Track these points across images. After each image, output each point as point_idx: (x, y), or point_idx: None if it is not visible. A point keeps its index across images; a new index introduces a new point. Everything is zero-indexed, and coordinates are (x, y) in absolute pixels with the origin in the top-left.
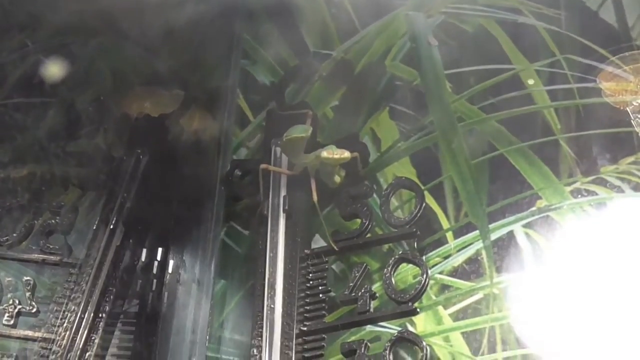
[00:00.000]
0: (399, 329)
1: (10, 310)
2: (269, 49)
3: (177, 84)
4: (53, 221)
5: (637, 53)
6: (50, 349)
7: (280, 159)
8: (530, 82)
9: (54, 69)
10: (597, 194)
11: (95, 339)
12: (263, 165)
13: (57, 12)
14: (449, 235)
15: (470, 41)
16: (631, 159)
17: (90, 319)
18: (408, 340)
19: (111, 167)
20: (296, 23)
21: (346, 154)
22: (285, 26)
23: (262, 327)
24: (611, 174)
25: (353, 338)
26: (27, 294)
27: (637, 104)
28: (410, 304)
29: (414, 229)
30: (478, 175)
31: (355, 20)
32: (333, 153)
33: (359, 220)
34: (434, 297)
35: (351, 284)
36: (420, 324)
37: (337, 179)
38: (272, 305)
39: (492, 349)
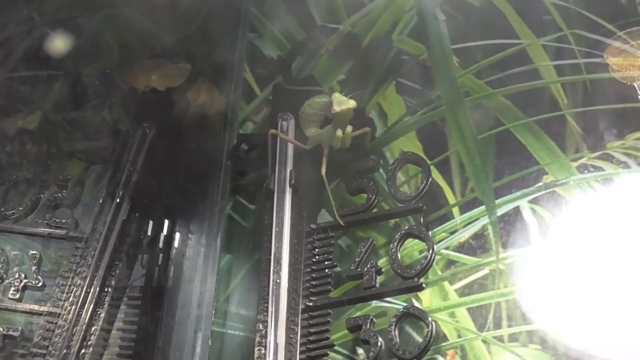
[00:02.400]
0: (405, 304)
1: (16, 284)
2: (275, 22)
3: (184, 57)
4: (59, 195)
5: None
6: (56, 323)
7: (287, 133)
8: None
9: (60, 42)
10: (603, 170)
11: (101, 313)
12: (272, 131)
13: None
14: (455, 210)
15: (477, 15)
16: (638, 134)
17: (96, 293)
18: (414, 316)
19: (117, 141)
20: None
21: (352, 102)
22: (293, 1)
23: (267, 302)
24: (618, 149)
25: (359, 313)
26: (33, 267)
27: None
28: (416, 279)
29: (420, 204)
30: (484, 150)
31: None
32: (341, 105)
33: (365, 195)
34: (439, 273)
35: (357, 259)
36: (426, 299)
37: (340, 134)
38: (277, 280)
39: (497, 325)
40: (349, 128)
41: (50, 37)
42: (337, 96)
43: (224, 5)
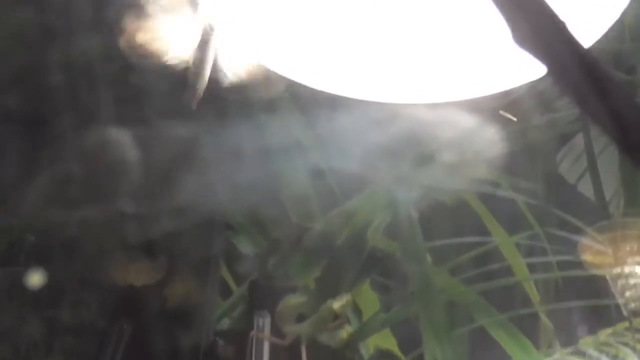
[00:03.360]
0: None
1: None
2: (251, 219)
3: (161, 254)
4: None
5: (614, 222)
6: None
7: (263, 329)
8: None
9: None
10: None
11: None
12: (253, 332)
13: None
14: None
15: (451, 214)
16: (610, 330)
17: None
18: None
19: (95, 338)
20: (278, 195)
21: (348, 296)
22: (268, 199)
23: None
24: (590, 345)
25: None
26: None
27: (616, 273)
28: None
29: None
30: (458, 347)
31: (337, 193)
32: (341, 300)
33: None
34: None
35: None
36: None
37: (345, 334)
38: None
39: None
40: (348, 327)
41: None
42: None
43: (200, 217)
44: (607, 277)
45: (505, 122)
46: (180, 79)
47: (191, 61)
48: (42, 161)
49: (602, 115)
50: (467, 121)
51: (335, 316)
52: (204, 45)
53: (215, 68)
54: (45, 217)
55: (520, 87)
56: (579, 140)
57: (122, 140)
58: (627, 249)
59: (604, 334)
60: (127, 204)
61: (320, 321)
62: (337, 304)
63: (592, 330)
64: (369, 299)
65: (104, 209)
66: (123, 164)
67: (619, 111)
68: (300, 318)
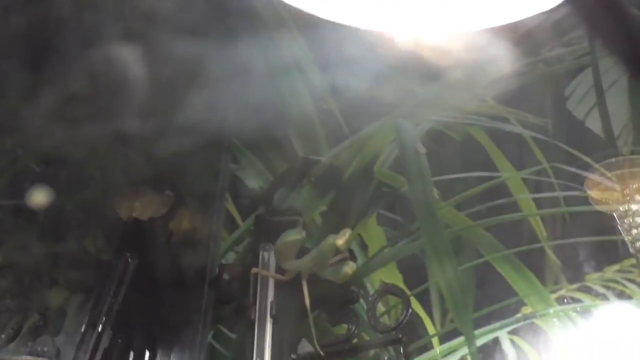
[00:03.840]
0: None
1: None
2: (258, 154)
3: (167, 187)
4: (41, 323)
5: (622, 159)
6: None
7: (268, 263)
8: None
9: (43, 175)
10: (582, 302)
11: None
12: (255, 270)
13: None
14: (435, 340)
15: (458, 149)
16: (616, 267)
17: None
18: None
19: (100, 271)
20: (286, 131)
21: (350, 230)
22: (275, 133)
23: None
24: (596, 281)
25: None
26: None
27: (623, 210)
28: None
29: (400, 335)
30: (464, 281)
31: (344, 126)
32: (344, 236)
33: (345, 326)
34: None
35: None
36: None
37: (349, 270)
38: None
39: None
40: (352, 263)
41: (34, 169)
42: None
43: (209, 139)
44: (614, 214)
45: (514, 55)
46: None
47: None
48: (47, 80)
49: (617, 42)
50: (478, 50)
51: (337, 251)
52: None
53: None
54: (50, 140)
55: (531, 19)
56: (588, 75)
57: (128, 58)
58: (635, 186)
59: (610, 271)
60: (133, 123)
61: (321, 257)
62: (338, 240)
63: (599, 267)
64: (375, 233)
65: (110, 130)
66: (129, 83)
67: (634, 37)
68: (302, 253)
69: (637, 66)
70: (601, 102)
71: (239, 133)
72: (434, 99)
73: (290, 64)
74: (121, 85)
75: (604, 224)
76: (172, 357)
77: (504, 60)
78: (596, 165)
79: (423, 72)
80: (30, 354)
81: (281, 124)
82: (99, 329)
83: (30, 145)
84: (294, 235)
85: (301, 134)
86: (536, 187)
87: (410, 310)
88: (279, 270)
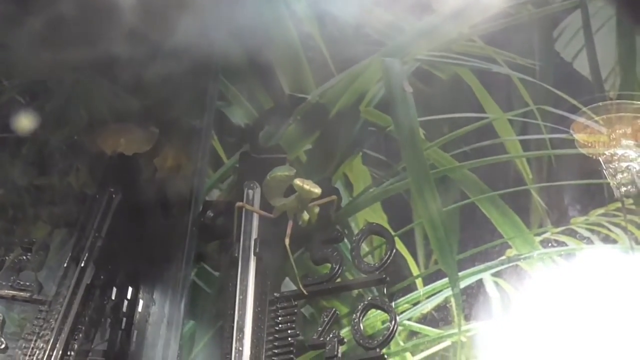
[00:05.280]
0: None
1: None
2: (244, 90)
3: (152, 123)
4: (24, 257)
5: (609, 104)
6: None
7: (252, 201)
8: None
9: (28, 107)
10: (566, 245)
11: None
12: (240, 204)
13: (33, 51)
14: (419, 282)
15: (445, 89)
16: (601, 210)
17: (59, 356)
18: None
19: (83, 205)
20: (272, 67)
21: (317, 190)
22: (261, 70)
23: None
24: (581, 225)
25: None
26: None
27: (609, 154)
28: (378, 350)
29: (384, 275)
30: (449, 222)
31: (331, 64)
32: (304, 182)
33: (329, 265)
34: (402, 344)
35: (320, 329)
36: None
37: (306, 216)
38: (240, 348)
39: None
40: (315, 208)
41: (19, 102)
42: (300, 183)
43: (194, 73)
44: (600, 159)
45: None
46: None
47: None
48: (32, 4)
49: None
50: None
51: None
52: None
53: None
54: (36, 69)
55: None
56: (577, 16)
57: None
58: (621, 131)
59: (595, 214)
60: (118, 50)
61: (301, 200)
62: (298, 183)
63: (584, 210)
64: (360, 172)
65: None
66: (115, 6)
67: None
68: (290, 192)
69: (626, 6)
70: (590, 44)
71: (225, 68)
72: (421, 35)
73: None
74: (107, 8)
75: (590, 167)
76: (154, 293)
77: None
78: (583, 109)
79: (411, 4)
80: (12, 288)
81: (267, 59)
82: (82, 264)
83: (16, 76)
84: (284, 171)
85: (288, 72)
86: (522, 129)
87: (394, 251)
88: (265, 208)
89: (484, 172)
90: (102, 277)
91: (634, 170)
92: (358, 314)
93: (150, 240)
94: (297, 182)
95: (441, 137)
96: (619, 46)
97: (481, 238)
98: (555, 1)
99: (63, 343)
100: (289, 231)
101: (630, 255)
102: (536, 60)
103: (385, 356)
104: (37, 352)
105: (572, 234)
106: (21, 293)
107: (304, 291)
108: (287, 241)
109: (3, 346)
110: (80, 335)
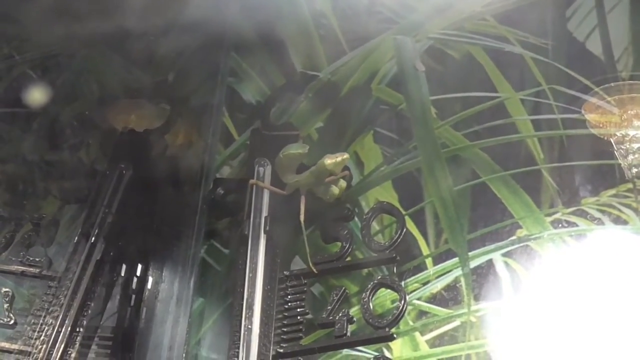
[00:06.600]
0: (376, 354)
1: None
2: (256, 67)
3: (164, 99)
4: (34, 233)
5: (621, 84)
6: None
7: (263, 178)
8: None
9: (40, 82)
10: (577, 225)
11: (71, 353)
12: (252, 181)
13: (46, 26)
14: (429, 261)
15: (457, 67)
16: (612, 191)
17: (68, 332)
18: None
19: (94, 181)
20: (284, 43)
21: (346, 155)
22: (273, 46)
23: (238, 347)
24: (592, 205)
25: None
26: (5, 305)
27: (620, 135)
28: (387, 329)
29: (394, 254)
30: (460, 202)
31: (343, 42)
32: (335, 158)
33: (339, 244)
34: (411, 323)
35: (329, 307)
36: (397, 349)
37: (336, 190)
38: (249, 326)
39: None
40: (343, 182)
41: (31, 76)
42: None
43: (206, 49)
44: (611, 139)
45: None
46: None
47: None
48: None
49: None
50: None
51: (330, 173)
52: None
53: None
54: (48, 42)
55: None
56: None
57: None
58: (633, 112)
59: (606, 195)
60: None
61: (316, 175)
62: (327, 160)
63: (595, 191)
64: (372, 150)
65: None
66: None
67: None
68: (301, 169)
69: None
70: (602, 24)
71: (236, 44)
72: (434, 13)
73: None
74: None
75: (601, 148)
76: (164, 270)
77: None
78: (596, 89)
79: None
80: (22, 263)
81: (279, 36)
82: (92, 240)
83: (27, 50)
84: (297, 149)
85: (299, 49)
86: (534, 108)
87: (404, 230)
88: (275, 185)
89: (495, 152)
90: (111, 253)
91: None
92: (368, 292)
93: (161, 217)
94: (328, 161)
95: (453, 116)
96: (632, 26)
97: (492, 218)
98: None
99: (72, 319)
100: (302, 208)
101: None
102: (549, 40)
103: (395, 335)
104: (46, 328)
105: (583, 214)
106: (30, 269)
107: (314, 269)
108: (302, 218)
109: (12, 322)
110: (90, 311)
